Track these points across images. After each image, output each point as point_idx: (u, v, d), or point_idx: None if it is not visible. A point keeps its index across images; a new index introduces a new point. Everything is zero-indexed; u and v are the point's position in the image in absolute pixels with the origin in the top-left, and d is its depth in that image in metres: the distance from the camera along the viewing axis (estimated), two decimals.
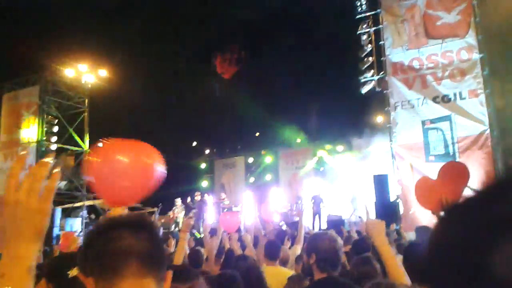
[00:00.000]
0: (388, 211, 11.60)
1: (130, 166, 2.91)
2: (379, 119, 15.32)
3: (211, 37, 22.71)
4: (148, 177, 2.94)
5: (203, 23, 22.68)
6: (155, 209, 17.33)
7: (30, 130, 18.21)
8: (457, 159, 11.81)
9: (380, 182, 12.46)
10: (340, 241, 2.96)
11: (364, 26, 13.79)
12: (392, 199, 12.49)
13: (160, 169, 2.93)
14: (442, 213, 0.65)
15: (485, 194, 0.61)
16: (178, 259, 3.95)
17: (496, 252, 0.54)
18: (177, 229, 15.62)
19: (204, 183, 21.97)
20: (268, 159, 20.81)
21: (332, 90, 17.92)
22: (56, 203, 16.01)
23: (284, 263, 4.95)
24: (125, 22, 22.05)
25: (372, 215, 2.84)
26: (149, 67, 22.12)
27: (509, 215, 0.56)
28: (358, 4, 13.77)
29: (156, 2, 22.71)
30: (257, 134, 23.76)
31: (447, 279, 0.59)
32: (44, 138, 18.34)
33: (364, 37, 13.81)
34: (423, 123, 12.37)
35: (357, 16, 13.93)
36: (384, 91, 13.27)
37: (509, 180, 0.62)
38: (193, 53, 22.53)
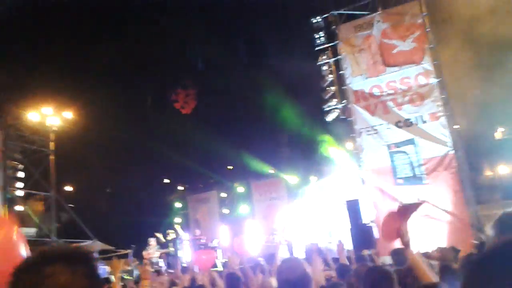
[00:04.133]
0: (363, 236, 11.66)
1: None
2: (347, 145, 15.57)
3: (173, 73, 22.90)
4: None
5: (165, 61, 22.85)
6: (128, 251, 16.94)
7: None
8: (424, 181, 12.06)
9: (353, 207, 12.56)
10: (306, 266, 2.90)
11: (324, 57, 14.18)
12: (365, 223, 12.57)
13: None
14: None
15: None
16: None
17: None
18: (153, 269, 15.25)
19: (178, 220, 21.68)
20: (240, 189, 20.79)
21: (299, 119, 18.19)
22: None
23: None
24: (89, 62, 21.99)
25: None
26: (115, 107, 21.99)
27: None
28: (317, 36, 14.17)
29: (119, 43, 22.79)
30: (230, 167, 23.77)
31: None
32: (9, 184, 17.79)
33: (325, 67, 14.18)
34: (388, 147, 12.63)
35: (317, 48, 14.32)
36: (348, 119, 13.54)
37: None
38: (156, 91, 22.62)
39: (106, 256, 16.30)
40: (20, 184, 18.49)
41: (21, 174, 18.68)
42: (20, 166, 18.77)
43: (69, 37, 22.34)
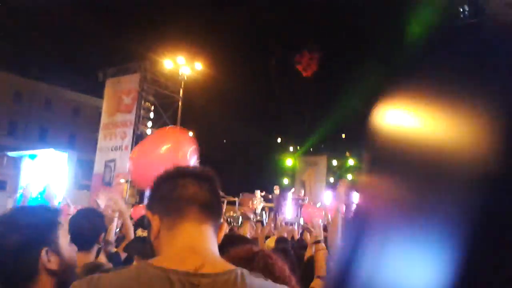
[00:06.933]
0: None
1: (162, 156, 3.12)
2: None
3: (300, 35, 23.00)
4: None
5: (293, 22, 22.99)
6: (236, 198, 17.89)
7: (128, 114, 19.56)
8: None
9: None
10: None
11: None
12: None
13: (191, 159, 3.11)
14: None
15: None
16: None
17: None
18: (255, 219, 16.00)
19: (285, 180, 22.23)
20: (351, 161, 20.61)
21: None
22: None
23: None
24: (222, 20, 22.98)
25: None
26: (241, 62, 22.84)
27: None
28: (461, 10, 12.90)
29: (255, 5, 23.40)
30: (343, 135, 23.56)
31: None
32: (140, 122, 19.61)
33: None
34: None
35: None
36: None
37: None
38: (283, 50, 22.97)
39: None
40: (149, 123, 20.21)
41: (151, 115, 20.32)
42: (152, 108, 20.41)
43: None
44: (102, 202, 3.81)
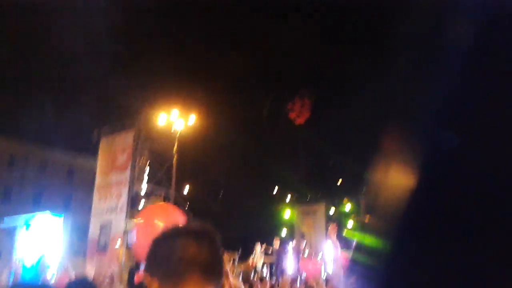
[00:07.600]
0: None
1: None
2: None
3: (293, 84, 23.36)
4: None
5: (287, 71, 23.41)
6: (235, 253, 17.49)
7: (123, 173, 19.34)
8: None
9: None
10: None
11: None
12: None
13: None
14: None
15: None
16: None
17: None
18: (256, 277, 15.61)
19: (284, 231, 21.89)
20: (348, 206, 20.41)
21: None
22: None
23: None
24: (214, 73, 23.38)
25: None
26: (234, 114, 23.04)
27: None
28: None
29: (245, 56, 23.87)
30: (339, 181, 23.44)
31: None
32: (135, 180, 19.38)
33: None
34: None
35: None
36: None
37: None
38: (275, 100, 23.23)
39: None
40: (144, 181, 19.96)
41: (146, 171, 20.08)
42: (147, 164, 20.20)
43: (199, 48, 23.95)
44: (91, 270, 3.90)
